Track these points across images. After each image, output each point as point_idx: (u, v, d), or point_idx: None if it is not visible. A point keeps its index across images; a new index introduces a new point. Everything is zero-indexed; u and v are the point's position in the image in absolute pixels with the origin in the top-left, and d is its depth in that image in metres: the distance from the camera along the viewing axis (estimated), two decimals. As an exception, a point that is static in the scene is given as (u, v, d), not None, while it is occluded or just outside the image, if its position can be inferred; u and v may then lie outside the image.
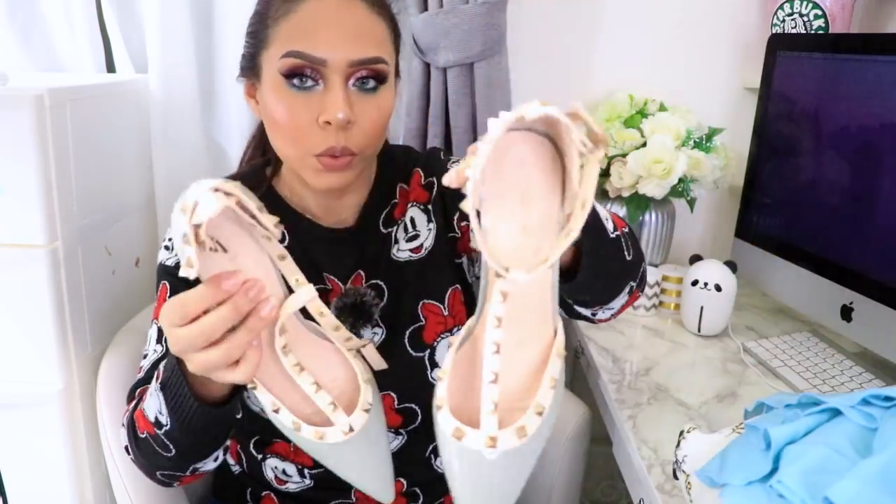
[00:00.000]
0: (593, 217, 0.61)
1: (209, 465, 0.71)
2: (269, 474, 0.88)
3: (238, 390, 0.64)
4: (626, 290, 0.71)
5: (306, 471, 0.86)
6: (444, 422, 0.46)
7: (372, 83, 0.71)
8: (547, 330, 0.48)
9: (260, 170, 0.86)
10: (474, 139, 1.28)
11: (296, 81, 0.69)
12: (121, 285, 1.10)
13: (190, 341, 0.51)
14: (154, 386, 0.64)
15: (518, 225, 0.46)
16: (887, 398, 0.58)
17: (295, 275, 0.52)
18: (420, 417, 0.85)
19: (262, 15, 0.74)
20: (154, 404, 0.64)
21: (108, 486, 0.98)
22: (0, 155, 0.86)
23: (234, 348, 0.51)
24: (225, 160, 1.29)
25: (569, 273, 0.62)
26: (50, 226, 0.89)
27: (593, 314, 0.75)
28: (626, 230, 0.70)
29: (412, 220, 0.85)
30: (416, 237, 0.84)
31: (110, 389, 0.93)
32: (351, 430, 0.52)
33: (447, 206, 0.85)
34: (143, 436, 0.67)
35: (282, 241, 0.53)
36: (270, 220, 0.49)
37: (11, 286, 0.90)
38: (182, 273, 0.46)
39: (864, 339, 0.98)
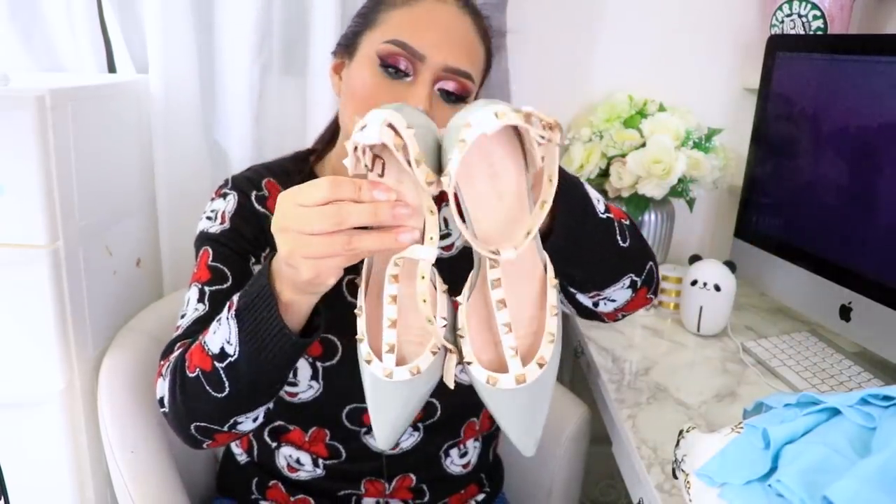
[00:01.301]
0: (572, 187, 0.63)
1: (248, 424, 0.70)
2: (282, 462, 0.88)
3: (314, 330, 0.65)
4: (626, 282, 0.72)
5: (320, 461, 0.87)
6: (478, 373, 0.54)
7: (454, 97, 0.74)
8: (538, 268, 0.56)
9: (303, 158, 0.89)
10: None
11: (389, 69, 0.73)
12: (122, 285, 1.10)
13: (312, 220, 0.52)
14: (225, 315, 0.64)
15: (493, 203, 0.55)
16: (886, 398, 0.59)
17: (432, 232, 0.54)
18: (439, 413, 0.86)
19: (379, 0, 0.77)
20: (222, 334, 0.64)
21: (108, 485, 0.98)
22: (1, 155, 0.86)
23: (353, 243, 0.52)
24: (225, 160, 1.29)
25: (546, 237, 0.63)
26: (51, 226, 0.90)
27: (595, 304, 0.75)
28: (627, 222, 0.72)
29: (445, 220, 0.87)
30: (448, 235, 0.87)
31: (111, 389, 0.93)
32: (390, 375, 0.56)
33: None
34: (195, 374, 0.67)
35: (436, 198, 0.54)
36: (423, 174, 0.50)
37: (13, 286, 0.90)
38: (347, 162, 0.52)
39: (862, 338, 0.98)
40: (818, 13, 1.19)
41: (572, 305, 0.81)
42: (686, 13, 1.37)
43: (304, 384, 0.82)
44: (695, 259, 1.19)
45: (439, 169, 0.54)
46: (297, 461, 0.88)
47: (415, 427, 0.87)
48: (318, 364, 0.82)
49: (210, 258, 0.79)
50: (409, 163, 0.50)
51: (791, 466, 0.56)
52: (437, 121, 0.72)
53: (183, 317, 0.79)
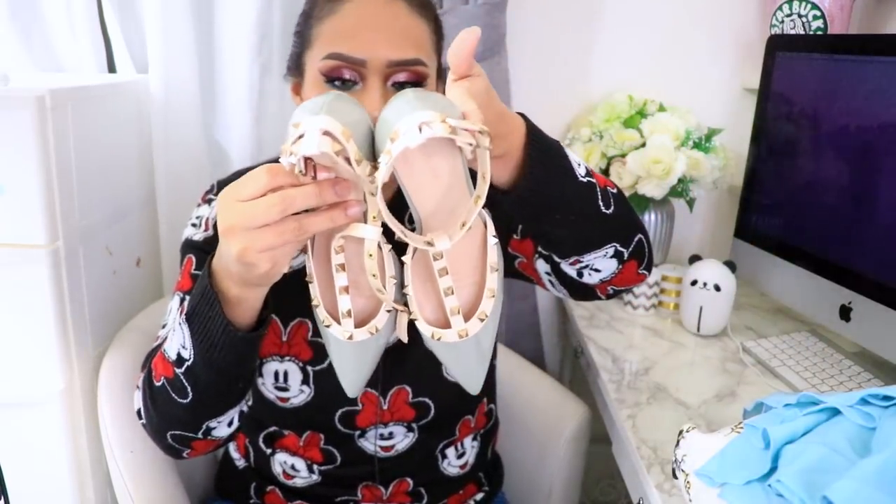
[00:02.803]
0: (547, 146, 0.62)
1: (223, 429, 0.70)
2: (277, 469, 0.88)
3: (262, 324, 0.65)
4: (610, 251, 0.70)
5: (315, 466, 0.87)
6: (424, 329, 0.59)
7: (410, 85, 0.72)
8: (478, 227, 0.59)
9: None
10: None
11: (336, 83, 0.72)
12: (122, 285, 1.10)
13: (257, 212, 0.51)
14: (178, 320, 0.64)
15: (432, 186, 0.57)
16: (886, 398, 0.59)
17: (374, 212, 0.56)
18: (433, 412, 0.86)
19: (308, 15, 0.76)
20: (177, 340, 0.64)
21: (108, 485, 0.98)
22: (1, 155, 0.86)
23: (304, 227, 0.52)
24: (225, 160, 1.29)
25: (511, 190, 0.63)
26: (51, 226, 0.90)
27: (579, 274, 0.75)
28: (614, 190, 0.70)
29: None
30: None
31: (111, 389, 0.94)
32: (350, 337, 0.60)
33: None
34: (160, 383, 0.67)
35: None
36: (363, 171, 0.52)
37: (13, 286, 0.90)
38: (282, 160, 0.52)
39: (862, 338, 0.98)
40: (818, 13, 1.19)
41: (561, 284, 0.80)
42: (686, 13, 1.37)
43: (296, 388, 0.82)
44: (695, 259, 1.19)
45: (374, 154, 0.55)
46: (293, 467, 0.88)
47: (409, 427, 0.87)
48: (309, 368, 0.82)
49: (193, 266, 0.79)
50: (348, 163, 0.51)
51: (791, 466, 0.56)
52: None
53: (164, 326, 0.79)
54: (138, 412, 0.73)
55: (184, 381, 0.65)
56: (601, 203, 0.67)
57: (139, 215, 1.19)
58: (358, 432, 0.85)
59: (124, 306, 1.09)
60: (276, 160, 0.90)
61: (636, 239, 0.73)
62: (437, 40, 0.78)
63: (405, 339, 0.60)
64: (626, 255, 0.72)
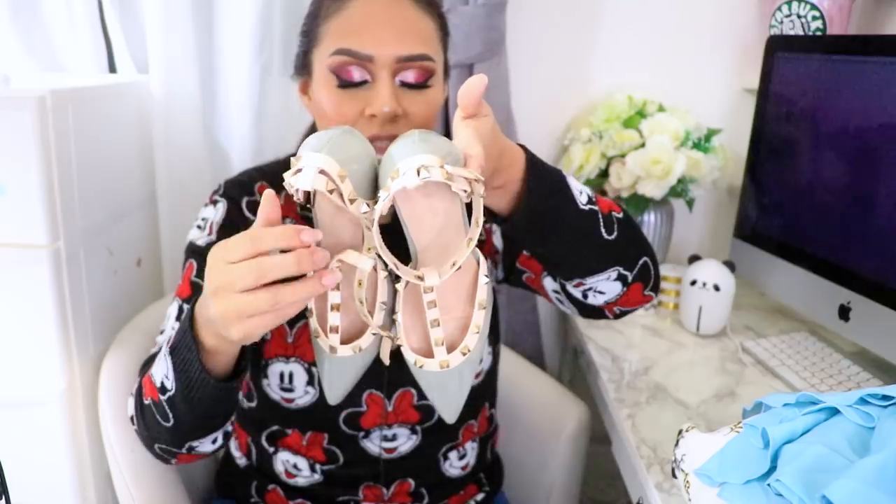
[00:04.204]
0: (546, 173, 0.64)
1: (206, 446, 0.71)
2: (280, 467, 0.89)
3: (240, 372, 0.65)
4: (613, 274, 0.71)
5: (317, 466, 0.87)
6: (408, 355, 0.61)
7: (418, 87, 0.74)
8: (471, 264, 0.61)
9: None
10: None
11: (345, 78, 0.73)
12: (123, 285, 1.10)
13: (235, 276, 0.52)
14: (164, 350, 0.65)
15: (429, 229, 0.59)
16: (885, 397, 0.59)
17: (370, 244, 0.58)
18: (437, 415, 0.86)
19: (314, 14, 0.77)
20: (162, 369, 0.65)
21: (109, 485, 0.98)
22: (2, 155, 0.87)
23: (278, 299, 0.52)
24: (226, 160, 1.29)
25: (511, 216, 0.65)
26: (52, 226, 0.90)
27: (584, 296, 0.75)
28: (620, 215, 0.71)
29: None
30: None
31: (112, 389, 0.94)
32: (334, 351, 0.62)
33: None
34: (148, 402, 0.68)
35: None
36: (357, 210, 0.54)
37: (14, 286, 0.90)
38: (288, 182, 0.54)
39: (861, 338, 0.98)
40: (817, 14, 1.19)
41: (570, 302, 0.81)
42: (686, 13, 1.37)
43: (301, 389, 0.82)
44: (694, 259, 1.19)
45: (376, 189, 0.57)
46: (295, 466, 0.88)
47: (413, 430, 0.87)
48: (314, 369, 0.82)
49: (194, 272, 0.79)
50: (343, 200, 0.53)
51: (790, 466, 0.56)
52: (411, 106, 0.73)
53: (162, 332, 0.79)
54: (131, 418, 0.74)
55: (166, 407, 0.66)
56: (603, 230, 0.68)
57: (140, 216, 1.19)
58: (362, 433, 0.86)
59: (125, 306, 1.09)
60: (277, 160, 0.91)
61: (641, 262, 0.74)
62: (443, 37, 0.79)
63: (387, 362, 0.62)
64: (630, 279, 0.73)
